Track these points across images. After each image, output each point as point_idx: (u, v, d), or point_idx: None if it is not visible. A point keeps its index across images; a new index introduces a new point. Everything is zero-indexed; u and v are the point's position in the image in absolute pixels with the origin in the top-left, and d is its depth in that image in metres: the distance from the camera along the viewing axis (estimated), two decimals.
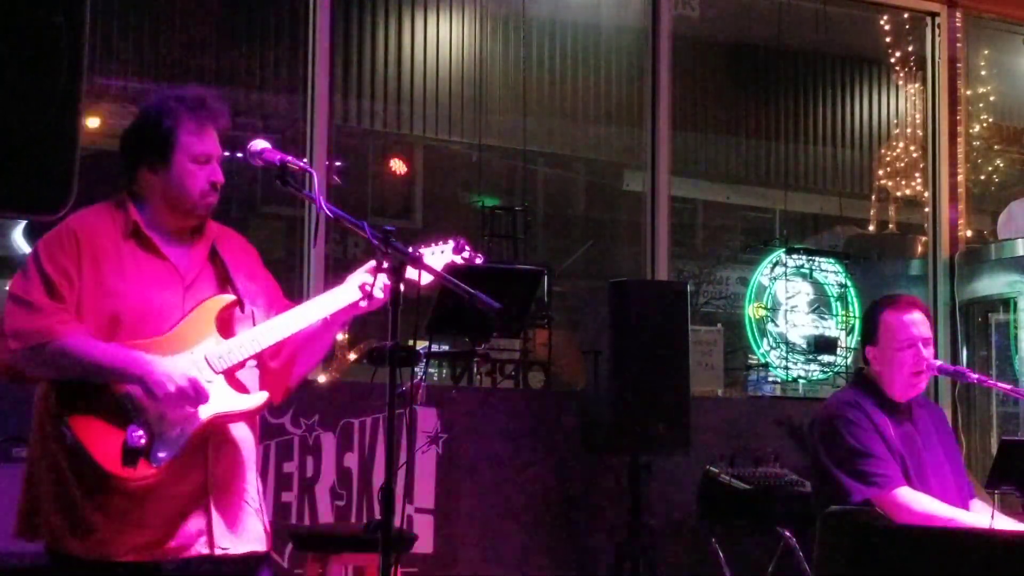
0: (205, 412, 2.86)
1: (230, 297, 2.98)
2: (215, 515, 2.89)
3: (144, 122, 2.98)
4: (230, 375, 2.93)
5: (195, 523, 2.87)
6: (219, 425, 2.91)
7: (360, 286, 3.03)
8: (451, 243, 3.24)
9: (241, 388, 2.96)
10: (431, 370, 6.28)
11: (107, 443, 2.75)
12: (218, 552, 2.88)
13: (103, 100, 6.58)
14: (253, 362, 3.02)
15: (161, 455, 2.79)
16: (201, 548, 2.87)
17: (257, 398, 2.97)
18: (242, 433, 3.00)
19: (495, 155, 8.03)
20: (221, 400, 2.89)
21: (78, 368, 2.79)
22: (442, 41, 7.43)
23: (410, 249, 3.07)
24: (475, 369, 6.18)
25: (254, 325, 3.00)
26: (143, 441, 2.76)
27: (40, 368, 2.83)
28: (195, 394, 2.83)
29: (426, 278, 3.04)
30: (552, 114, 7.92)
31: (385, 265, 2.93)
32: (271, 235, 7.78)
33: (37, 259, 2.85)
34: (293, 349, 3.10)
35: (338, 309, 3.04)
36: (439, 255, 3.20)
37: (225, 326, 2.96)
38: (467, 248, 3.23)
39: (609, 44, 7.87)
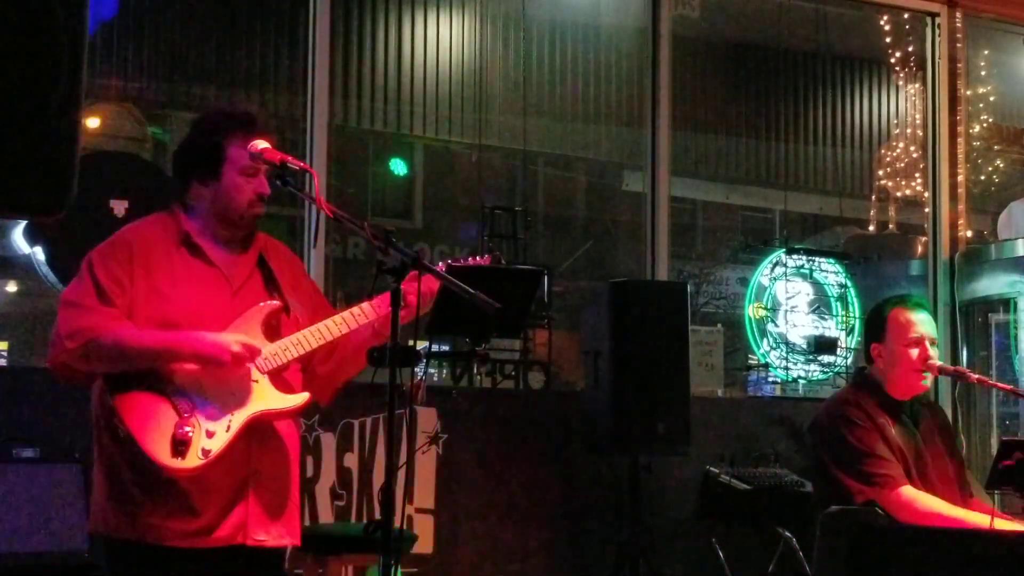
0: (249, 410, 2.98)
1: (276, 303, 3.10)
2: (252, 507, 3.01)
3: (196, 137, 3.13)
4: (275, 376, 3.04)
5: (238, 515, 2.99)
6: (263, 422, 3.03)
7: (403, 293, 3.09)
8: (488, 258, 3.34)
9: (286, 388, 3.08)
10: (431, 370, 6.28)
11: (157, 437, 2.87)
12: (251, 543, 3.01)
13: (103, 100, 6.58)
14: (297, 364, 3.13)
15: (208, 449, 2.90)
16: (237, 539, 3.00)
17: (299, 398, 3.08)
18: (285, 430, 3.12)
19: (495, 155, 8.03)
20: (265, 399, 3.01)
21: (132, 355, 2.91)
22: (442, 41, 7.42)
23: (449, 262, 3.18)
24: (475, 369, 6.17)
25: (300, 329, 3.10)
26: (192, 436, 2.88)
27: (95, 363, 2.93)
28: (250, 353, 2.96)
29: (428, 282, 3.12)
30: (552, 114, 7.91)
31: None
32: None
33: (91, 268, 3.00)
34: (343, 356, 3.23)
35: (379, 316, 3.13)
36: None
37: (271, 331, 3.08)
38: (503, 261, 3.33)
39: (609, 44, 7.86)
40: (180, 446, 2.86)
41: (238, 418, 2.96)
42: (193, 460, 2.87)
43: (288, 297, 3.14)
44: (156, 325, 2.97)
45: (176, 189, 3.16)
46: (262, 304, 3.08)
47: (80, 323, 2.93)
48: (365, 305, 3.14)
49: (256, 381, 3.00)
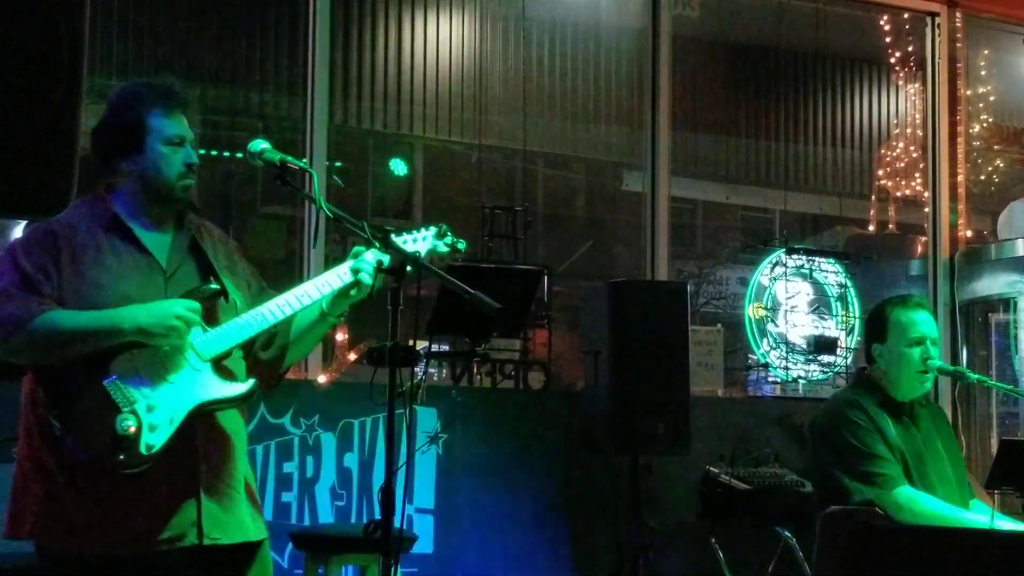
0: (193, 400, 2.84)
1: (214, 287, 2.96)
2: (204, 504, 2.86)
3: (113, 113, 3.00)
4: (217, 363, 2.90)
5: (186, 513, 2.84)
6: (209, 413, 2.89)
7: (353, 270, 3.01)
8: (433, 229, 3.21)
9: (229, 376, 2.93)
10: (431, 370, 6.28)
11: (97, 433, 2.72)
12: (207, 542, 2.85)
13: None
14: (239, 351, 3.00)
15: (151, 443, 2.75)
16: (193, 539, 2.84)
17: (245, 386, 2.94)
18: (232, 421, 2.98)
19: (495, 155, 8.03)
20: (209, 388, 2.87)
21: (67, 338, 2.77)
22: (442, 41, 7.43)
23: (390, 233, 3.07)
24: (475, 369, 6.17)
25: (238, 315, 2.97)
26: (133, 429, 2.73)
27: (29, 351, 2.80)
28: (189, 321, 2.82)
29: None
30: (552, 114, 7.92)
31: (370, 252, 2.96)
32: (271, 235, 7.77)
33: (14, 258, 2.85)
34: (285, 341, 3.10)
35: (322, 296, 3.02)
36: (421, 241, 3.18)
37: (209, 316, 2.93)
38: (449, 233, 3.21)
39: (609, 44, 7.87)
40: (122, 442, 2.70)
41: (181, 409, 2.80)
42: (136, 457, 2.73)
43: (225, 281, 2.99)
44: None
45: (100, 170, 2.98)
46: (199, 288, 2.93)
47: (8, 311, 2.76)
48: (308, 286, 3.01)
49: (198, 370, 2.85)
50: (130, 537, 2.79)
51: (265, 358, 3.09)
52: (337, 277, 3.01)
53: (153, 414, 2.78)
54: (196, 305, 2.86)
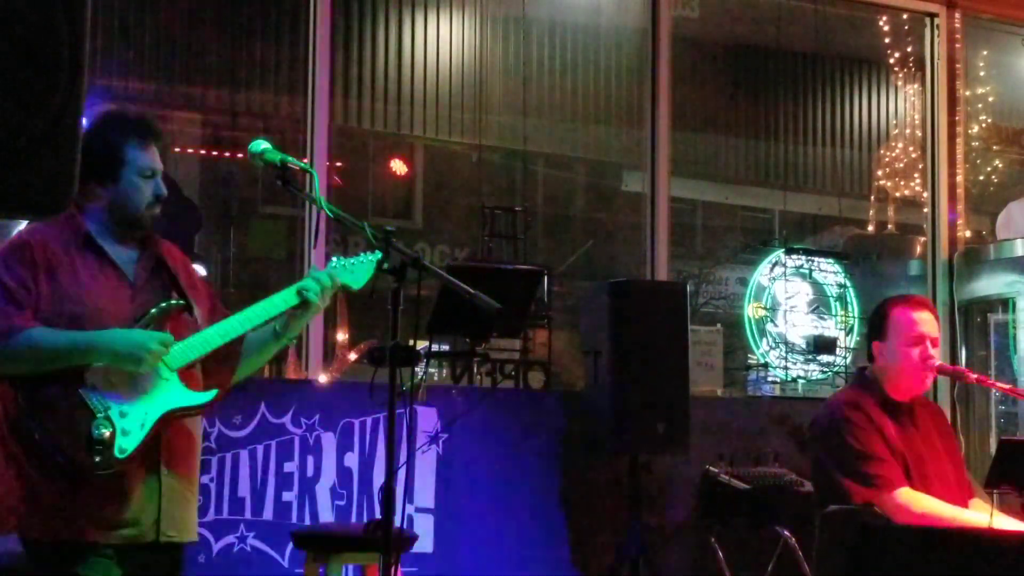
0: (162, 407, 2.99)
1: (180, 302, 3.11)
2: (164, 504, 3.02)
3: (93, 139, 3.06)
4: (183, 373, 3.06)
5: (148, 512, 3.01)
6: (174, 419, 3.04)
7: (299, 291, 3.16)
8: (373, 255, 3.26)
9: (193, 385, 3.09)
10: (431, 370, 6.28)
11: (74, 438, 2.86)
12: (163, 540, 3.02)
13: (103, 100, 6.59)
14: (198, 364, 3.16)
15: (124, 447, 2.91)
16: (149, 535, 3.01)
17: (208, 395, 3.10)
18: (191, 427, 3.15)
19: (495, 155, 8.04)
20: (177, 397, 3.02)
21: (48, 354, 2.91)
22: (442, 41, 7.43)
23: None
24: (475, 369, 6.17)
25: (198, 328, 3.12)
26: (108, 435, 2.88)
27: (9, 364, 2.92)
28: (159, 355, 2.96)
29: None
30: (552, 114, 7.93)
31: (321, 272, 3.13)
32: (271, 235, 7.78)
33: None
34: (238, 357, 3.24)
35: (280, 313, 3.17)
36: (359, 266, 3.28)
37: (175, 329, 3.08)
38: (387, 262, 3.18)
39: (609, 44, 7.88)
40: (98, 445, 2.85)
41: (152, 415, 2.96)
42: (111, 460, 2.88)
43: (187, 296, 3.14)
44: (61, 325, 2.96)
45: None
46: (167, 304, 3.08)
47: None
48: (260, 307, 3.15)
49: (166, 379, 3.01)
50: (97, 529, 2.94)
51: (219, 370, 3.24)
52: (283, 300, 3.16)
53: (125, 420, 2.92)
54: (169, 338, 3.01)
